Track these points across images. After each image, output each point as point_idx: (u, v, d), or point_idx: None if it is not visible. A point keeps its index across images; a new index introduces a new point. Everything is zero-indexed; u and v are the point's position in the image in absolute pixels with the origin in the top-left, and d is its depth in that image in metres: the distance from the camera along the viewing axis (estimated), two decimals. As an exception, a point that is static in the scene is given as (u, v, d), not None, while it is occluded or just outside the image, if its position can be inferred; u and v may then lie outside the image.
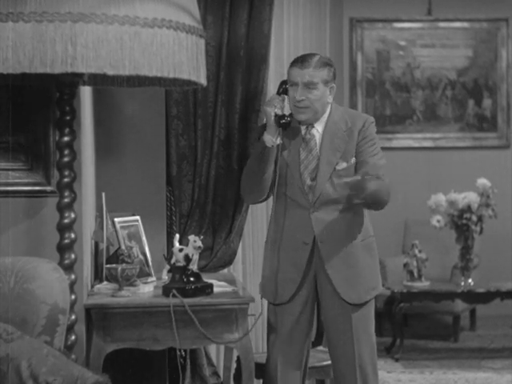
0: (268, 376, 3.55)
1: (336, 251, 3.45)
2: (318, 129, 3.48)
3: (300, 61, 3.44)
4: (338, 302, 3.48)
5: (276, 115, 3.35)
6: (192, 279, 3.45)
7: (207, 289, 3.48)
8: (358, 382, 3.48)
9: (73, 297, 3.11)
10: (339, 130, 3.47)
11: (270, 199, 3.63)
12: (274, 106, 3.37)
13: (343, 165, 3.45)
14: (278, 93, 3.42)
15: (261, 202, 3.61)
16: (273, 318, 3.54)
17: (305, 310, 3.53)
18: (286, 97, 3.42)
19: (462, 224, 6.18)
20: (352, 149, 3.47)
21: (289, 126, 3.38)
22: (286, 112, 3.41)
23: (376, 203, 3.40)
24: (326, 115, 3.50)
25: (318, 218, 3.45)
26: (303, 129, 3.48)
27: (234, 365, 3.93)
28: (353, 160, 3.46)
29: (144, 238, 3.89)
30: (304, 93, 3.39)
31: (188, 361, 4.11)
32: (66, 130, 3.10)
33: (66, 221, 3.11)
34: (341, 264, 3.45)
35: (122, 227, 3.78)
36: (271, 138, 3.36)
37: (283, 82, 3.44)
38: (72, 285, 3.11)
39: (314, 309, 3.59)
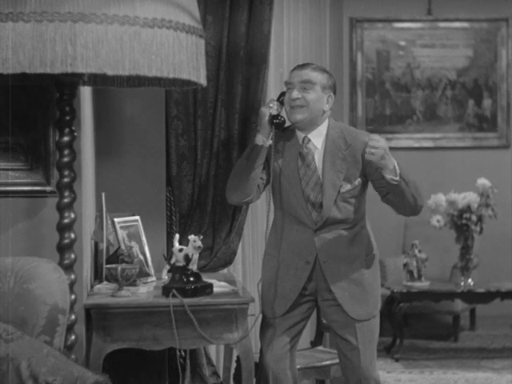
0: (263, 379, 3.57)
1: (340, 270, 3.42)
2: (315, 143, 3.43)
3: (299, 65, 3.47)
4: (344, 317, 3.45)
5: (270, 115, 3.35)
6: (192, 279, 3.45)
7: (207, 289, 3.48)
8: None
9: (73, 297, 3.11)
10: (339, 150, 3.42)
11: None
12: (269, 108, 3.37)
13: (347, 187, 3.41)
14: (278, 100, 3.42)
15: (244, 203, 3.58)
16: (269, 328, 3.54)
17: (299, 323, 3.53)
18: (284, 107, 3.42)
19: (461, 224, 6.18)
20: (355, 170, 3.41)
21: (282, 127, 3.37)
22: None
23: (415, 199, 3.35)
24: (323, 129, 3.45)
25: (322, 237, 3.42)
26: (300, 141, 3.45)
27: (234, 365, 3.93)
28: (357, 181, 3.41)
29: (144, 238, 3.89)
30: (300, 92, 3.38)
31: (188, 361, 4.11)
32: (66, 130, 3.10)
33: (66, 221, 3.11)
34: (346, 282, 3.43)
35: (121, 227, 3.78)
36: (262, 138, 3.35)
37: (283, 93, 3.45)
38: (72, 285, 3.11)
39: (305, 324, 3.58)
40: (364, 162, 3.39)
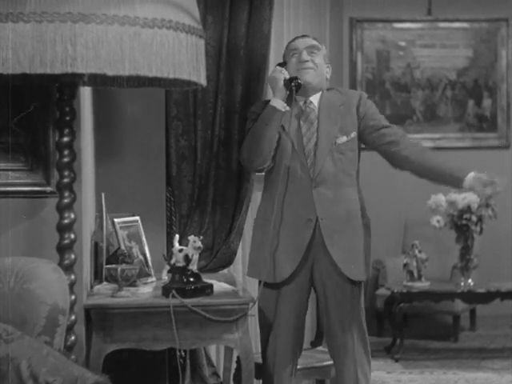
0: (266, 370, 3.59)
1: (337, 228, 3.47)
2: (314, 103, 3.53)
3: (299, 36, 3.62)
4: (338, 281, 3.48)
5: (285, 79, 3.39)
6: (192, 279, 3.45)
7: (207, 289, 3.48)
8: (358, 374, 3.51)
9: (73, 297, 3.11)
10: (334, 105, 3.53)
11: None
12: (282, 73, 3.42)
13: (343, 139, 3.48)
14: (280, 65, 3.48)
15: (262, 169, 3.58)
16: (271, 306, 3.55)
17: (302, 293, 3.54)
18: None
19: (461, 224, 6.18)
20: (351, 123, 3.52)
21: (300, 88, 3.42)
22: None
23: None
24: (319, 93, 3.56)
25: (320, 193, 3.46)
26: (301, 102, 3.50)
27: (234, 365, 3.93)
28: (353, 134, 3.49)
29: (144, 239, 3.89)
30: (308, 55, 3.46)
31: (188, 361, 4.11)
32: (66, 131, 3.10)
33: (66, 221, 3.11)
34: (341, 241, 3.47)
35: (121, 227, 3.77)
36: (281, 102, 3.40)
37: (280, 64, 3.50)
38: (72, 285, 3.11)
39: (309, 293, 3.60)
40: (359, 115, 3.54)
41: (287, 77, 3.42)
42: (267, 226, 3.51)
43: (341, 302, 3.52)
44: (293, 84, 3.39)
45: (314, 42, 3.53)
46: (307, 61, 3.46)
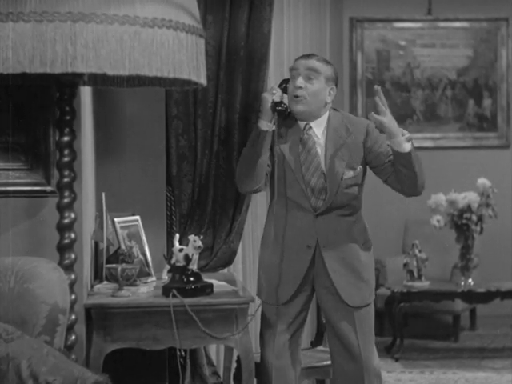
0: (264, 376, 3.56)
1: (338, 255, 3.45)
2: (316, 132, 3.46)
3: (305, 55, 3.51)
4: (340, 306, 3.47)
5: (273, 101, 3.36)
6: (192, 279, 3.45)
7: (207, 289, 3.48)
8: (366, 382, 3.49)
9: (73, 297, 3.11)
10: (341, 138, 3.45)
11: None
12: (272, 94, 3.39)
13: (350, 174, 3.44)
14: (279, 86, 3.44)
15: (255, 191, 3.55)
16: (272, 317, 3.55)
17: (300, 314, 3.53)
18: (285, 95, 3.43)
19: (462, 224, 6.18)
20: (357, 157, 3.45)
21: (284, 114, 3.40)
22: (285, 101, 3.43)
23: (419, 177, 3.36)
24: (324, 118, 3.48)
25: (322, 222, 3.44)
26: (301, 127, 3.47)
27: (234, 365, 3.93)
28: (359, 168, 3.45)
29: (144, 238, 3.89)
30: (305, 81, 3.40)
31: (188, 361, 4.11)
32: (66, 130, 3.10)
33: (66, 221, 3.11)
34: (343, 268, 3.46)
35: (121, 227, 3.78)
36: (266, 123, 3.36)
37: (284, 80, 3.46)
38: (72, 285, 3.11)
39: (308, 312, 3.60)
40: (365, 149, 3.45)
41: (276, 99, 3.38)
42: (273, 249, 3.51)
43: (340, 328, 3.51)
44: (277, 108, 3.37)
45: (316, 64, 3.41)
46: (300, 87, 3.39)
